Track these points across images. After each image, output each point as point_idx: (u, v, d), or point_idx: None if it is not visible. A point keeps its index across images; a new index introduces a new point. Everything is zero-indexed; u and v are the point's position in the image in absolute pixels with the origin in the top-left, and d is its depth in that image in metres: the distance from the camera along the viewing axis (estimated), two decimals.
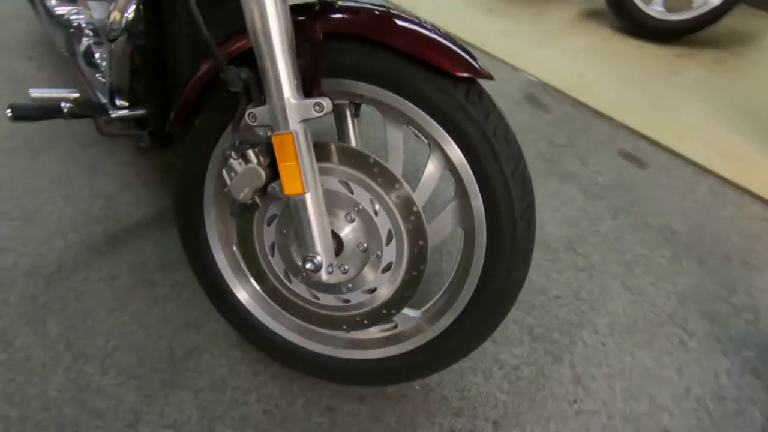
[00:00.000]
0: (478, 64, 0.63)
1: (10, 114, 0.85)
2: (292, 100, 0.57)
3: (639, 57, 1.96)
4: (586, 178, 1.40)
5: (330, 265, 0.66)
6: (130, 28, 0.82)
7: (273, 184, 0.64)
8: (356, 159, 0.66)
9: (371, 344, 0.83)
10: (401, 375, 0.83)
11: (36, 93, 0.83)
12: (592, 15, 2.26)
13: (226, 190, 0.65)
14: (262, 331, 0.87)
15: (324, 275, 0.66)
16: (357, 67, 0.64)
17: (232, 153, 0.63)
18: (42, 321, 1.00)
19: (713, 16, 1.92)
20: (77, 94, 0.87)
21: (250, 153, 0.62)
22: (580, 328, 1.04)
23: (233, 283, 0.85)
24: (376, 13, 0.64)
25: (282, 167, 0.59)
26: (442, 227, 0.73)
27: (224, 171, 0.64)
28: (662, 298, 1.10)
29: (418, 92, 0.63)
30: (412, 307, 0.81)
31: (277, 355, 0.90)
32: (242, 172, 0.63)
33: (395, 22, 0.63)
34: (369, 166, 0.66)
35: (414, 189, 0.70)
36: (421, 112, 0.64)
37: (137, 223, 1.21)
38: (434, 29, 0.65)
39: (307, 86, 0.62)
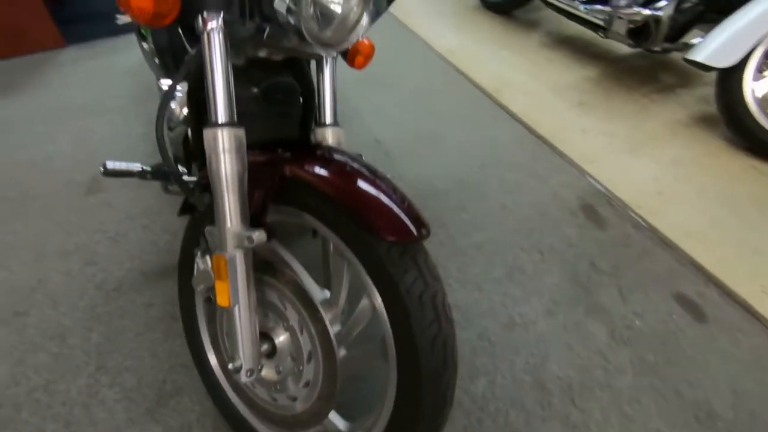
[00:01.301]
0: (412, 228, 0.66)
1: (102, 170, 1.13)
2: (232, 230, 0.68)
3: (747, 180, 1.67)
4: (619, 318, 1.24)
5: (250, 370, 0.73)
6: (182, 121, 1.04)
7: None
8: (292, 284, 0.74)
9: None
10: None
11: (110, 164, 1.09)
12: (704, 121, 1.99)
13: (192, 281, 0.78)
14: (221, 395, 0.97)
15: (243, 377, 0.73)
16: (308, 203, 0.72)
17: (199, 253, 0.76)
18: (90, 328, 1.25)
19: None
20: (139, 168, 1.13)
21: (208, 258, 0.74)
22: None
23: (208, 348, 0.98)
24: (335, 166, 0.72)
25: (216, 282, 0.70)
26: (366, 359, 0.75)
27: (195, 265, 0.77)
28: None
29: (352, 239, 0.69)
30: (345, 418, 0.83)
31: (229, 420, 0.99)
32: (199, 271, 0.75)
33: (348, 178, 0.70)
34: (301, 293, 0.73)
35: (346, 321, 0.75)
36: (353, 255, 0.69)
37: None
38: (388, 188, 0.70)
39: (257, 213, 0.72)
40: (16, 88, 2.36)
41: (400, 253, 0.67)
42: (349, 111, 2.11)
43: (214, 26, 0.62)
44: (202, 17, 0.62)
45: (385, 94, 2.22)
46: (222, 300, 0.70)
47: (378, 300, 0.68)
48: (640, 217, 1.52)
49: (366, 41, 0.95)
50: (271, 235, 0.70)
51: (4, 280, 1.38)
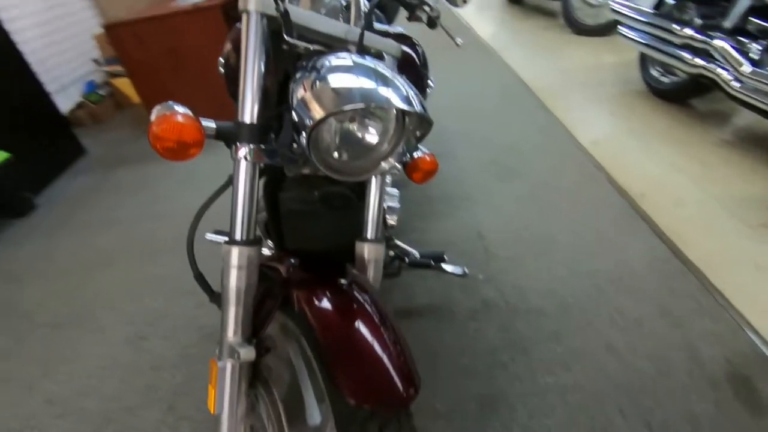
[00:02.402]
0: (399, 391, 0.59)
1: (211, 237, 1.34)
2: (228, 341, 0.71)
3: None
4: None
5: None
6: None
7: None
8: (275, 405, 0.72)
9: None
10: None
11: (209, 236, 1.29)
12: None
13: None
14: None
15: None
16: (305, 328, 0.71)
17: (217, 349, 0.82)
18: (179, 366, 1.45)
19: None
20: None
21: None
22: None
23: None
24: (339, 303, 0.70)
25: (209, 385, 0.73)
26: None
27: None
28: None
29: (328, 381, 0.65)
30: None
31: None
32: None
33: (342, 322, 0.67)
34: (279, 418, 0.70)
35: None
36: (327, 399, 0.65)
37: None
38: (387, 340, 0.65)
39: (262, 322, 0.74)
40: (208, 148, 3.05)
41: (365, 417, 0.59)
42: (460, 195, 2.06)
43: (242, 155, 0.68)
44: (235, 146, 0.69)
45: (504, 183, 2.11)
46: (210, 404, 0.72)
47: None
48: None
49: (428, 157, 0.92)
50: (264, 351, 0.71)
51: (147, 307, 1.72)
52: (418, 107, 0.63)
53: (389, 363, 0.61)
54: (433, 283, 1.61)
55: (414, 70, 1.06)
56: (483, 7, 5.73)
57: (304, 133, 0.64)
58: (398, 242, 1.57)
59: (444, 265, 1.54)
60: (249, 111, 0.68)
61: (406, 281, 1.63)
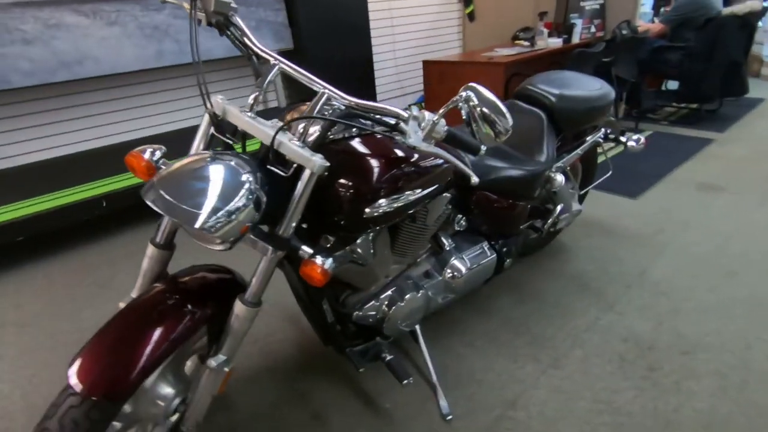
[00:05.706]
0: (91, 384, 0.77)
1: None
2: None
3: None
4: None
5: None
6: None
7: None
8: None
9: None
10: None
11: None
12: None
13: None
14: None
15: None
16: None
17: None
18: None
19: None
20: None
21: None
22: None
23: None
24: (141, 317, 0.87)
25: None
26: None
27: None
28: None
29: None
30: None
31: None
32: None
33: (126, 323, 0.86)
34: None
35: None
36: None
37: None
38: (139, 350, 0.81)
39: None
40: None
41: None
42: (545, 353, 1.27)
43: None
44: None
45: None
46: None
47: None
48: None
49: (318, 269, 0.88)
50: None
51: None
52: (202, 222, 0.71)
53: (116, 360, 0.78)
54: (410, 397, 1.26)
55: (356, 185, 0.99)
56: None
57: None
58: (423, 346, 1.45)
59: (440, 391, 1.35)
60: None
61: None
